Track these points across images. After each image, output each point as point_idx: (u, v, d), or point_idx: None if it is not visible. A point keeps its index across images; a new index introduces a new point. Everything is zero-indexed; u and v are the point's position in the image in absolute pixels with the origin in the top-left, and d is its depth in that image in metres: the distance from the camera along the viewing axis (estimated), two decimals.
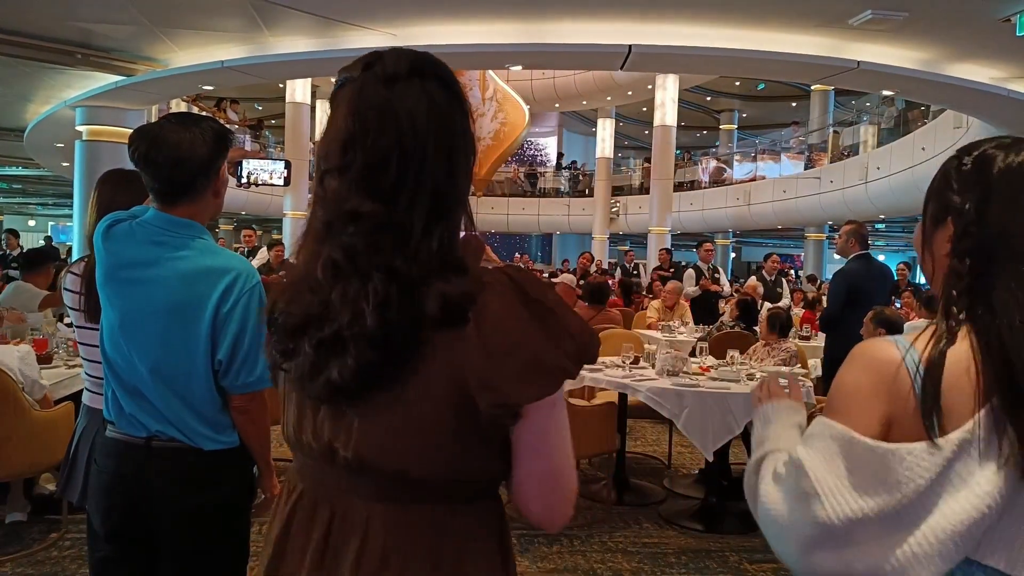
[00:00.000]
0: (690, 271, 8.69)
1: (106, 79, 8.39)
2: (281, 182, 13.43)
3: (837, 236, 5.35)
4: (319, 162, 0.90)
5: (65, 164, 13.78)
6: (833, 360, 4.73)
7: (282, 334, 0.90)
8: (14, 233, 11.33)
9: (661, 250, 12.24)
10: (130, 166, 1.72)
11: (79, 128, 9.54)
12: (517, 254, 19.58)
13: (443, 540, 0.89)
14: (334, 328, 0.84)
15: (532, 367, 0.81)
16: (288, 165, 13.39)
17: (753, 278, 9.00)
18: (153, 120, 1.78)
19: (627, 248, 22.86)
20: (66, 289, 2.16)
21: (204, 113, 11.32)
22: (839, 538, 0.89)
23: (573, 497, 0.90)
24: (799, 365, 4.75)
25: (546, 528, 0.92)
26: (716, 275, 8.67)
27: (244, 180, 12.90)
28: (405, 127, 0.86)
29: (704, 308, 7.95)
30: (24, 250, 8.39)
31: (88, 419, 2.17)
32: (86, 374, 2.17)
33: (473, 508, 0.92)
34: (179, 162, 1.59)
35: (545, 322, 0.83)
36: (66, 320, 4.54)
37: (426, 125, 0.86)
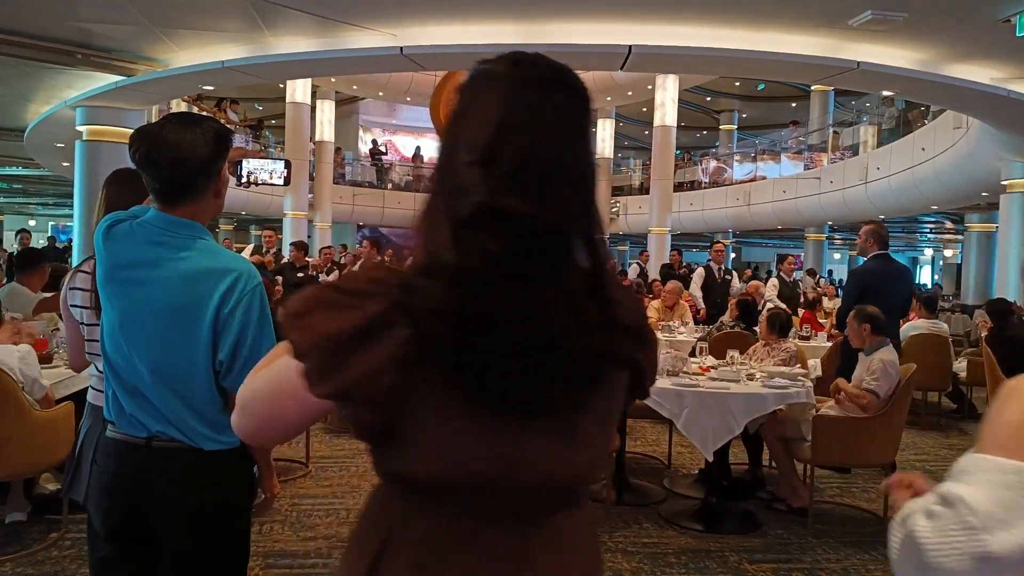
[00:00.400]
0: (700, 270, 8.78)
1: (106, 79, 8.39)
2: (281, 182, 13.43)
3: (857, 236, 5.45)
4: (455, 150, 0.85)
5: (65, 164, 13.77)
6: (852, 359, 4.69)
7: (462, 332, 0.79)
8: (28, 233, 11.41)
9: (672, 251, 12.43)
10: (132, 167, 1.72)
11: (79, 128, 9.53)
12: None
13: (595, 531, 0.97)
14: (532, 339, 0.80)
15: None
16: (288, 165, 13.39)
17: (774, 280, 9.14)
18: (153, 120, 1.79)
19: (626, 248, 22.86)
20: (76, 288, 2.13)
21: (205, 113, 11.33)
22: (1006, 569, 0.83)
23: None
24: (799, 365, 4.75)
25: None
26: (728, 276, 8.78)
27: (244, 179, 12.90)
28: (556, 132, 0.85)
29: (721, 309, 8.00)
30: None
31: (93, 418, 2.15)
32: (96, 370, 2.16)
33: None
34: (180, 162, 1.59)
35: None
36: None
37: (574, 135, 0.87)
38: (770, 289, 8.77)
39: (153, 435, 1.60)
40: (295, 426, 0.93)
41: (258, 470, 1.77)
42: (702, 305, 8.36)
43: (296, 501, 4.16)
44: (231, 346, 1.59)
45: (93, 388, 2.17)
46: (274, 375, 0.88)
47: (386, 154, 23.24)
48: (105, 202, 2.19)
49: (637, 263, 14.08)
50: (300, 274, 7.89)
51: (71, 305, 2.14)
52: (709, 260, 8.94)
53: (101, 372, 2.09)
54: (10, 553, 3.32)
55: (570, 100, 0.87)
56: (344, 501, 4.20)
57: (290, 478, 4.53)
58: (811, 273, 15.40)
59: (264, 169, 13.29)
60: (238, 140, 15.94)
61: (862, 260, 5.28)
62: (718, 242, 9.16)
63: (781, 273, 9.22)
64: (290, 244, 9.20)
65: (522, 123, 0.83)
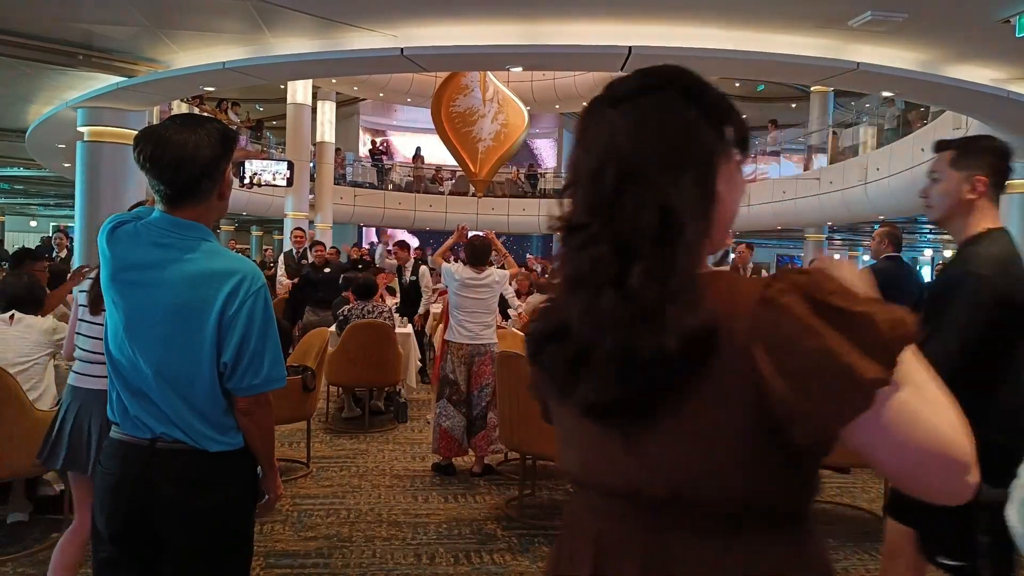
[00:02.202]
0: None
1: (108, 80, 8.39)
2: (284, 183, 13.45)
3: (871, 238, 5.47)
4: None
5: (67, 165, 13.77)
6: None
7: (531, 345, 0.93)
8: (65, 232, 11.32)
9: None
10: (133, 168, 1.73)
11: (80, 129, 9.53)
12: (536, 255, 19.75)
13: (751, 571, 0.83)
14: (578, 345, 0.84)
15: (841, 385, 0.74)
16: (291, 166, 13.41)
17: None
18: (155, 121, 1.81)
19: None
20: (88, 278, 2.42)
21: (206, 114, 11.31)
22: None
23: (958, 466, 0.76)
24: None
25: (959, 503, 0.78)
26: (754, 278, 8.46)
27: (247, 180, 12.91)
28: (620, 144, 0.87)
29: None
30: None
31: (72, 396, 2.40)
32: (79, 350, 2.40)
33: (781, 536, 0.85)
34: (183, 164, 1.59)
35: (848, 330, 0.75)
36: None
37: (649, 141, 0.86)
38: None
39: (157, 436, 1.61)
40: None
41: (261, 471, 1.78)
42: None
43: (297, 501, 4.16)
44: (235, 348, 1.59)
45: (74, 371, 2.40)
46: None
47: (386, 155, 23.27)
48: None
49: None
50: (327, 269, 8.04)
51: (79, 291, 2.47)
52: (735, 263, 8.37)
53: (85, 351, 2.36)
54: (11, 553, 3.33)
55: (663, 103, 0.89)
56: (345, 501, 4.20)
57: (291, 478, 4.54)
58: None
59: (268, 170, 13.30)
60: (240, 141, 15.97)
61: (873, 261, 5.29)
62: (741, 243, 8.98)
63: (735, 264, 8.26)
64: (343, 246, 9.16)
65: (588, 148, 0.91)
